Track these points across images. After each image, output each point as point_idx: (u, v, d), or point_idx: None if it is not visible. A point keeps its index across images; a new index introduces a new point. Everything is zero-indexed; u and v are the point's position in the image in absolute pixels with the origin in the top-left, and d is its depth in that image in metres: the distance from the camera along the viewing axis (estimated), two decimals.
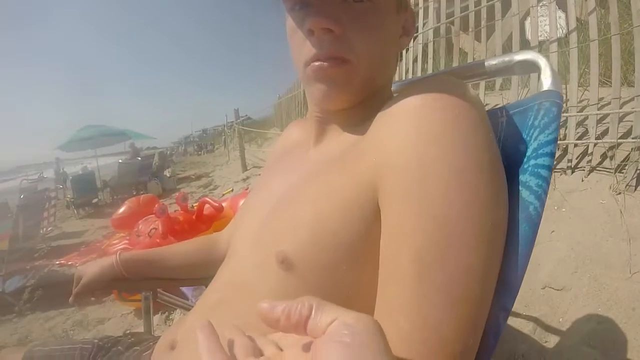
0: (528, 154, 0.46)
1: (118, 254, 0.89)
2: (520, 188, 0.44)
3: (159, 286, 0.97)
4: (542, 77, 0.48)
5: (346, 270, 0.46)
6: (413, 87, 0.46)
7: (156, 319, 2.32)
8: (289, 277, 0.48)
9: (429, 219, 0.38)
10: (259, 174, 5.82)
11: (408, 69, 3.69)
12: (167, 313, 2.38)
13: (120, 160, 9.34)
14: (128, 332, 0.96)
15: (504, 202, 0.42)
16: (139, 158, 9.69)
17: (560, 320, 1.52)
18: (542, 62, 0.49)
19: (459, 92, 0.43)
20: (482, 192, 0.39)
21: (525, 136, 0.47)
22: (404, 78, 3.51)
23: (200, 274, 0.90)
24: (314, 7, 0.51)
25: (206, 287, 0.92)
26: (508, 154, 0.47)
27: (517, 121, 0.50)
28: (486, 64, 0.56)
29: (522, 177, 0.45)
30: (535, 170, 0.43)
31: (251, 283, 0.53)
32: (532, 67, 0.51)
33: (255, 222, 0.58)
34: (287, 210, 0.53)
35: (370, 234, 0.44)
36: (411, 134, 0.42)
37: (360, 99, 0.57)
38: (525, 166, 0.45)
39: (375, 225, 0.44)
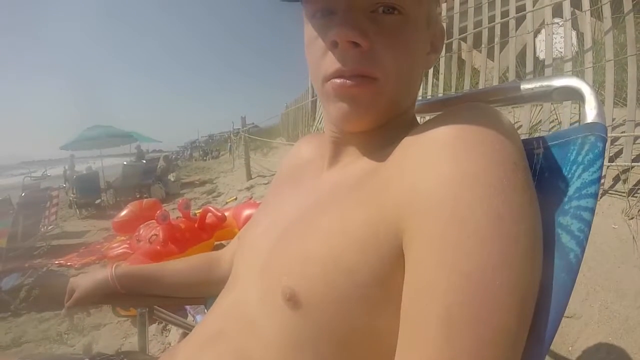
0: (569, 193, 0.41)
1: (114, 267, 0.84)
2: (559, 232, 0.40)
3: (156, 303, 0.93)
4: (587, 107, 0.43)
5: (361, 315, 0.41)
6: (443, 116, 0.42)
7: (152, 328, 2.27)
8: (295, 316, 0.43)
9: (463, 275, 0.34)
10: (264, 183, 5.80)
11: None
12: (164, 323, 2.32)
13: (125, 162, 9.32)
14: (121, 351, 0.92)
15: (540, 251, 0.37)
16: (144, 161, 9.67)
17: (570, 349, 1.47)
18: (586, 90, 0.44)
19: (496, 123, 0.39)
20: (521, 243, 0.34)
21: (566, 173, 0.42)
22: None
23: (199, 293, 0.86)
24: (340, 16, 0.45)
25: (205, 305, 0.87)
26: (543, 191, 0.42)
27: (556, 155, 0.45)
28: (522, 87, 0.50)
29: (562, 220, 0.40)
30: (578, 212, 0.39)
31: (256, 318, 0.48)
32: (573, 95, 0.45)
33: (262, 248, 0.53)
34: (297, 241, 0.48)
35: (389, 278, 0.40)
36: (444, 173, 0.37)
37: (383, 122, 0.52)
38: (566, 207, 0.40)
39: (396, 269, 0.39)
